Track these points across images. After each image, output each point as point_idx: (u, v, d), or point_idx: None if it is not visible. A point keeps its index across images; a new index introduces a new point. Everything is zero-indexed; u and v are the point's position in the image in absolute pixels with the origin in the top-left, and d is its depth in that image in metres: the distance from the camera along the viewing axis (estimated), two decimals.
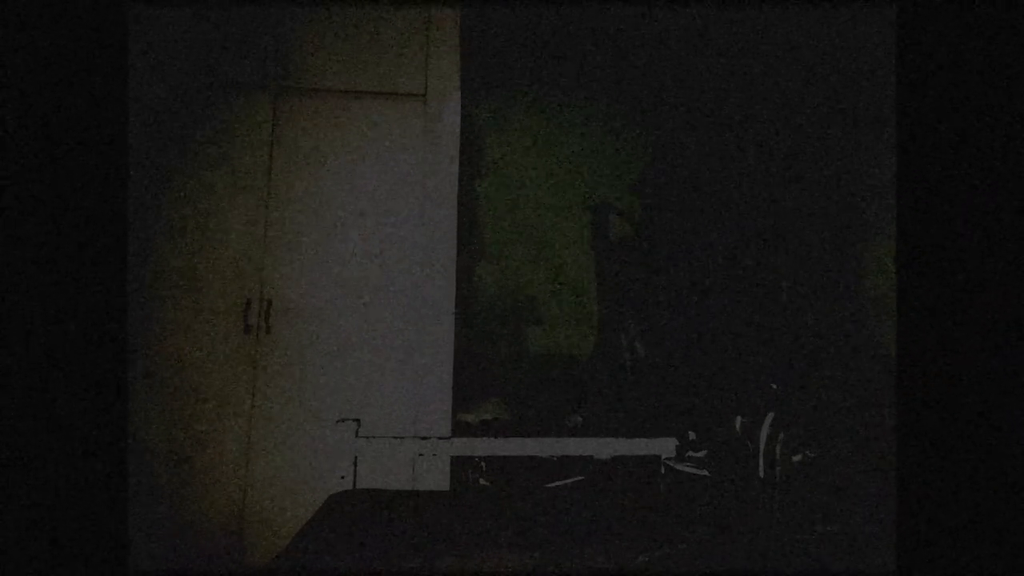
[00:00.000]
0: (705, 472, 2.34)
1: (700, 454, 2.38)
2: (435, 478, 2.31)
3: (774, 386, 2.45)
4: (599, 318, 2.59)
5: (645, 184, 2.68)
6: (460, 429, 2.49)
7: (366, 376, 2.37)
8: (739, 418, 2.40)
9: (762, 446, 2.32)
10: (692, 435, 2.42)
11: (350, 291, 2.40)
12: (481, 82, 2.63)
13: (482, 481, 2.42)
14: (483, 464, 2.41)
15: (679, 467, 2.36)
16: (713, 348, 2.57)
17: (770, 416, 2.36)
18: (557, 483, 2.41)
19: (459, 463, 2.44)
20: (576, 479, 2.41)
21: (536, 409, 2.48)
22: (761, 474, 2.28)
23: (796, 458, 2.31)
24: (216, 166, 2.42)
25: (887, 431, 2.33)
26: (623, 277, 2.61)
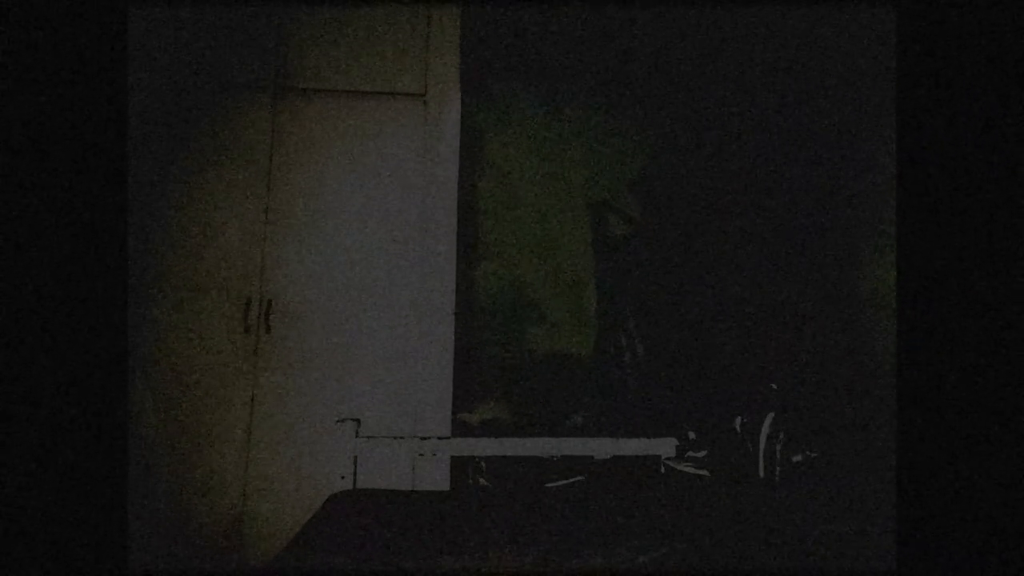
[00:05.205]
0: (705, 472, 2.34)
1: (700, 454, 2.38)
2: (435, 478, 2.31)
3: (774, 386, 2.45)
4: (599, 318, 2.59)
5: (645, 184, 2.68)
6: (460, 429, 2.49)
7: (366, 376, 2.37)
8: (739, 418, 2.40)
9: (762, 446, 2.32)
10: (692, 435, 2.42)
11: (350, 291, 2.40)
12: (481, 82, 2.63)
13: (482, 481, 2.42)
14: (483, 464, 2.41)
15: (679, 467, 2.36)
16: (713, 348, 2.57)
17: (770, 416, 2.36)
18: (557, 483, 2.41)
19: (459, 463, 2.44)
20: (576, 479, 2.41)
21: (536, 409, 2.49)
22: (761, 474, 2.28)
23: (796, 458, 2.31)
24: (216, 166, 2.42)
25: (887, 431, 2.33)
26: (623, 277, 2.61)
